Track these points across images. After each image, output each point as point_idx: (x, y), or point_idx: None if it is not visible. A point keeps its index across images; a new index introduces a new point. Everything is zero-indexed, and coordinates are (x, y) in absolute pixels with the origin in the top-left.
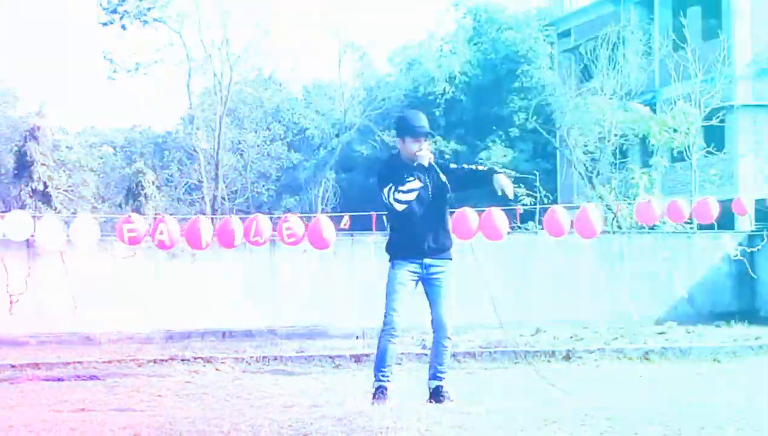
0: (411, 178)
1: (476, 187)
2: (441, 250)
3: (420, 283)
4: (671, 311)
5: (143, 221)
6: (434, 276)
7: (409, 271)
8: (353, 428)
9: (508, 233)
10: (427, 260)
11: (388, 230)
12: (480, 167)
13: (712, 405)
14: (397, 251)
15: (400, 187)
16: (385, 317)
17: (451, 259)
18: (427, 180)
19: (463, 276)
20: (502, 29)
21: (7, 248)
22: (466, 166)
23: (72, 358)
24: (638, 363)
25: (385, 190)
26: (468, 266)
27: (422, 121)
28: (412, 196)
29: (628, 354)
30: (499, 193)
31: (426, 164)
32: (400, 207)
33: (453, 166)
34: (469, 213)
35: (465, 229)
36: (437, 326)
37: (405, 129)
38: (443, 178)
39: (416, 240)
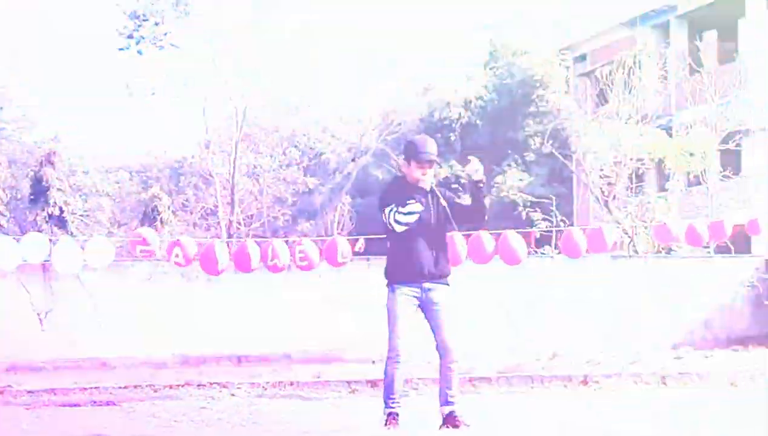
0: (412, 201)
1: (473, 218)
2: (440, 275)
3: (419, 308)
4: (688, 336)
5: (155, 237)
6: (434, 300)
7: (408, 295)
8: None
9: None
10: (426, 284)
11: (388, 253)
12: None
13: (730, 430)
14: (396, 275)
15: (401, 209)
16: (389, 343)
17: (448, 285)
18: (429, 204)
19: (478, 300)
20: (517, 54)
21: (24, 271)
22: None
23: (88, 383)
24: (655, 388)
25: (386, 210)
26: (484, 289)
27: (430, 147)
28: (412, 218)
29: (645, 379)
30: (477, 175)
31: (428, 188)
32: (399, 228)
33: (456, 200)
34: (485, 237)
35: (481, 253)
36: (443, 350)
37: (411, 153)
38: (443, 203)
39: (416, 264)
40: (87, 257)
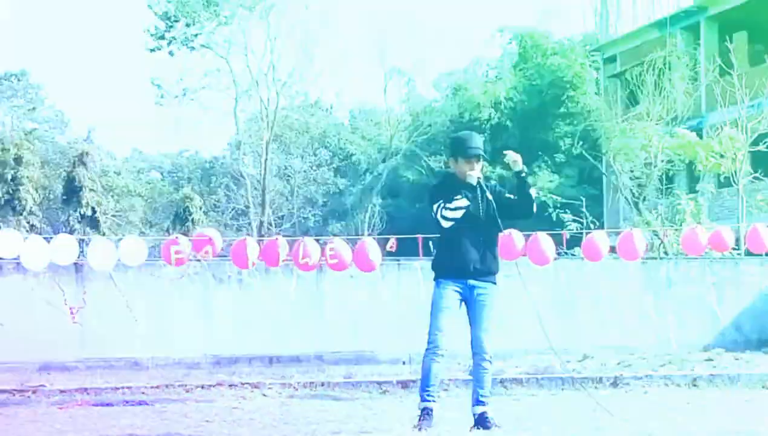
0: (459, 197)
1: (521, 211)
2: (486, 272)
3: (463, 303)
4: (719, 338)
5: (189, 243)
6: (478, 298)
7: (454, 290)
8: None
9: (555, 258)
10: (471, 281)
11: (436, 247)
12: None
13: (761, 433)
14: (443, 270)
15: (448, 205)
16: (429, 336)
17: (495, 283)
18: (476, 199)
19: (509, 301)
20: (547, 55)
21: (56, 272)
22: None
23: (120, 383)
24: (686, 390)
25: (435, 206)
26: (514, 290)
27: (475, 142)
28: (458, 214)
29: (675, 381)
30: (516, 166)
31: (474, 183)
32: (446, 224)
33: (504, 194)
34: (516, 235)
35: (510, 250)
36: (476, 346)
37: (458, 149)
38: (490, 197)
39: (462, 260)
40: (121, 255)
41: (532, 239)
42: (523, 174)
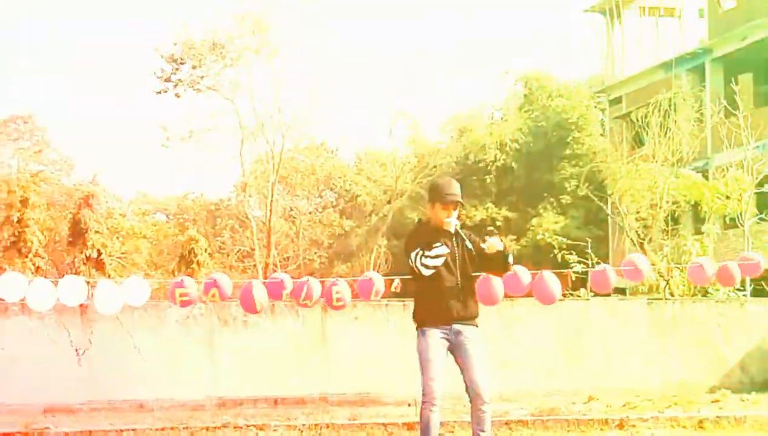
0: (438, 244)
1: (492, 270)
2: (469, 317)
3: (449, 351)
4: (724, 379)
5: (195, 285)
6: (465, 341)
7: (440, 338)
8: None
9: (560, 299)
10: (455, 327)
11: (414, 297)
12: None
13: None
14: (426, 319)
15: (428, 253)
16: (423, 388)
17: (477, 326)
18: (454, 246)
19: (513, 342)
20: (552, 96)
21: (61, 313)
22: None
23: (125, 425)
24: (692, 432)
25: (413, 255)
26: (518, 331)
27: (454, 189)
28: (439, 261)
29: (681, 422)
30: (491, 251)
31: (452, 231)
32: (427, 272)
33: (477, 242)
34: (521, 272)
35: (516, 286)
36: (473, 392)
37: (436, 196)
38: (469, 245)
39: (443, 306)
40: (125, 295)
41: (538, 277)
42: (505, 253)
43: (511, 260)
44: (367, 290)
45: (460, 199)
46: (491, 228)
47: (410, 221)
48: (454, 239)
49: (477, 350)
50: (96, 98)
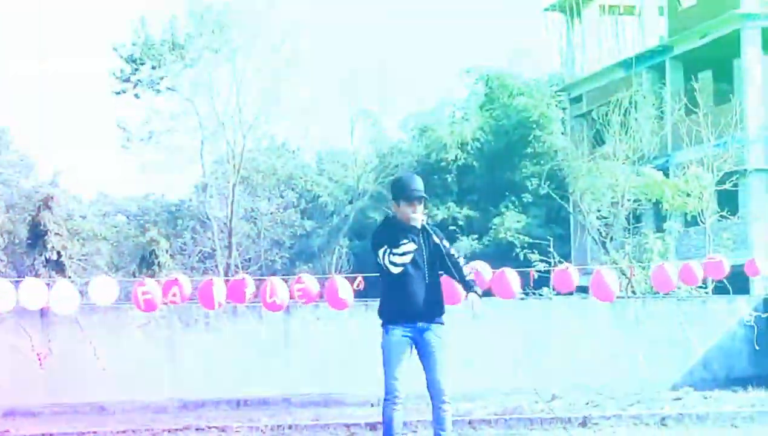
0: (405, 241)
1: (455, 277)
2: (435, 314)
3: (413, 347)
4: (687, 376)
5: (158, 286)
6: (429, 340)
7: (404, 335)
8: None
9: (522, 294)
10: (420, 324)
11: (381, 294)
12: (465, 270)
13: None
14: (391, 316)
15: (395, 250)
16: (386, 385)
17: (443, 324)
18: (422, 242)
19: (477, 341)
20: (513, 95)
21: (21, 316)
22: (456, 258)
23: (87, 428)
24: (655, 429)
25: (380, 252)
26: (483, 331)
27: (417, 184)
28: (407, 258)
29: (644, 420)
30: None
31: (419, 226)
32: (395, 270)
33: (447, 246)
34: (483, 267)
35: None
36: (434, 391)
37: (400, 192)
38: (436, 240)
39: (410, 304)
40: (91, 295)
41: (498, 273)
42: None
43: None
44: (334, 295)
45: (424, 195)
46: (453, 253)
47: (372, 221)
48: (420, 234)
49: (440, 348)
50: (55, 99)
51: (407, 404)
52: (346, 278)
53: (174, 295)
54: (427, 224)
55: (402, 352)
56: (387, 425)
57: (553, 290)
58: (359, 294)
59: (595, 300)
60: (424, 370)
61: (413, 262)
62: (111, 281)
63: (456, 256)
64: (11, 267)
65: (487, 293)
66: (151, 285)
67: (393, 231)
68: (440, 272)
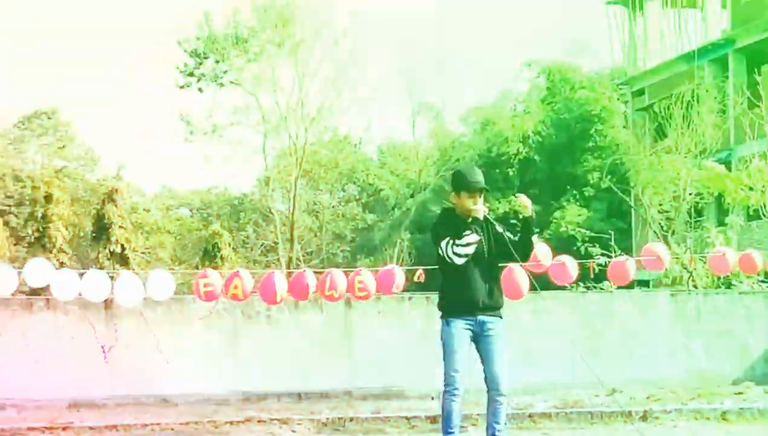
0: (468, 232)
1: (519, 253)
2: (495, 307)
3: (473, 340)
4: (749, 371)
5: (219, 277)
6: (488, 333)
7: (464, 328)
8: None
9: (582, 287)
10: (480, 317)
11: (441, 286)
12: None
13: None
14: (452, 308)
15: (458, 242)
16: (446, 377)
17: (502, 318)
18: (484, 234)
19: (537, 335)
20: (575, 88)
21: (86, 309)
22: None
23: (149, 420)
24: (715, 423)
25: (443, 243)
26: (543, 324)
27: (478, 176)
28: (470, 249)
29: (705, 414)
30: (525, 211)
31: (481, 218)
32: (459, 261)
33: (508, 234)
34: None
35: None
36: (491, 383)
37: (461, 184)
38: (500, 229)
39: (471, 296)
40: (148, 289)
41: (557, 260)
42: (531, 220)
43: (534, 231)
44: (388, 282)
45: (485, 186)
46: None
47: (433, 215)
48: (483, 226)
49: (499, 341)
50: (119, 93)
51: (467, 398)
52: (406, 270)
53: (235, 287)
54: (488, 215)
55: (462, 344)
56: (446, 417)
57: (611, 283)
58: (419, 287)
59: (654, 290)
60: (482, 362)
61: (475, 253)
62: (167, 276)
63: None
64: (76, 260)
65: (546, 284)
66: (213, 276)
67: (455, 222)
68: (504, 263)
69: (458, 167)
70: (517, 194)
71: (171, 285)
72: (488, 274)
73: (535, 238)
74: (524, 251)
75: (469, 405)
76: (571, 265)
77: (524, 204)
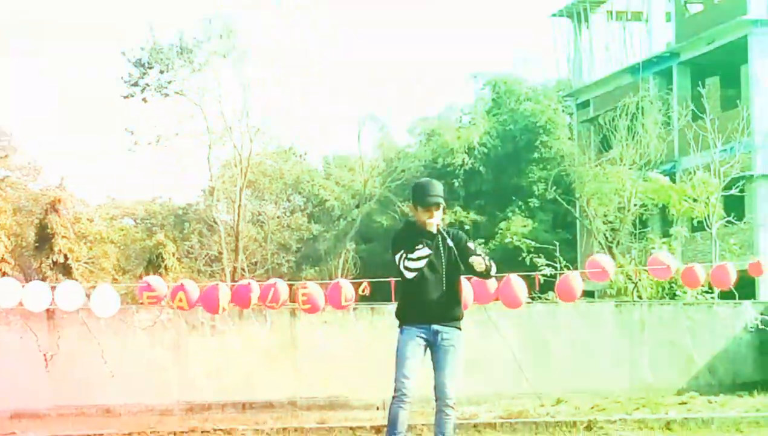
0: (420, 246)
1: (477, 274)
2: (451, 318)
3: (428, 349)
4: (693, 381)
5: (162, 284)
6: (443, 342)
7: (419, 336)
8: None
9: (528, 302)
10: (435, 326)
11: (399, 296)
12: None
13: None
14: (407, 317)
15: (410, 256)
16: (396, 383)
17: (460, 329)
18: (438, 247)
19: (482, 346)
20: (520, 100)
21: (28, 318)
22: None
23: (93, 430)
24: (660, 433)
25: (397, 256)
26: (487, 335)
27: (435, 190)
28: (421, 263)
29: (649, 424)
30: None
31: (434, 232)
32: (410, 274)
33: (468, 245)
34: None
35: (483, 293)
36: (439, 392)
37: (417, 198)
38: (451, 244)
39: (426, 306)
40: (92, 305)
41: (504, 281)
42: (490, 270)
43: (494, 271)
44: (336, 297)
45: (441, 201)
46: (472, 248)
47: (379, 226)
48: (437, 239)
49: (452, 352)
50: (63, 102)
51: (412, 408)
52: (352, 283)
53: (180, 300)
54: (443, 228)
55: (415, 352)
56: (392, 422)
57: (557, 297)
58: (364, 299)
59: (599, 301)
60: (434, 370)
61: (430, 266)
62: (112, 293)
63: (474, 249)
64: (18, 270)
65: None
66: (156, 283)
67: (410, 236)
68: (461, 275)
69: (418, 181)
70: (472, 259)
71: (116, 302)
72: (445, 285)
73: (494, 272)
74: (483, 275)
75: (414, 415)
76: (517, 286)
77: (478, 264)
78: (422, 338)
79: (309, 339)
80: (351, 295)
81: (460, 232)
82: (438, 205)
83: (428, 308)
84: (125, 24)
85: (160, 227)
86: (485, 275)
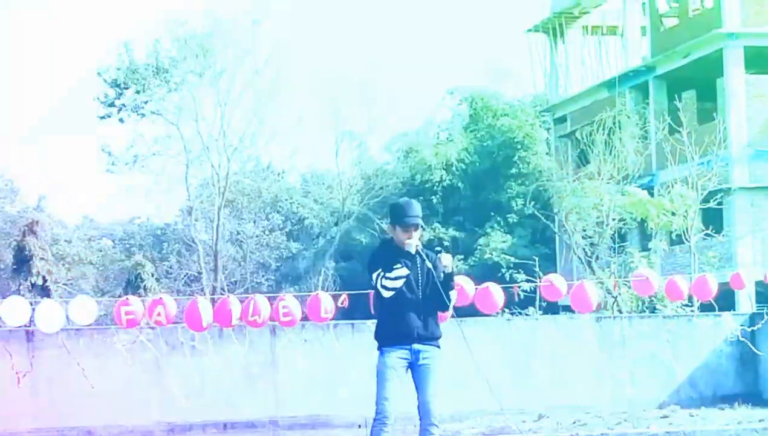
0: (398, 266)
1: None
2: (430, 337)
3: (409, 370)
4: (674, 395)
5: (141, 304)
6: (423, 362)
7: (399, 357)
8: None
9: (507, 312)
10: (416, 346)
11: (377, 316)
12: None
13: None
14: (386, 338)
15: (388, 275)
16: (377, 405)
17: (439, 347)
18: (416, 267)
19: (460, 362)
20: (498, 116)
21: (6, 340)
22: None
23: None
24: None
25: (374, 275)
26: (465, 352)
27: (414, 211)
28: (398, 283)
29: None
30: (446, 269)
31: (413, 252)
32: (387, 294)
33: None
34: (465, 281)
35: (460, 296)
36: (423, 412)
37: (396, 218)
38: (429, 265)
39: (405, 326)
40: (71, 314)
41: (482, 289)
42: (452, 275)
43: (453, 286)
44: (316, 309)
45: (420, 222)
46: (438, 248)
47: (358, 243)
48: (415, 259)
49: (434, 371)
50: (39, 124)
51: (394, 426)
52: (332, 294)
53: (159, 314)
54: (422, 249)
55: (396, 374)
56: None
57: (542, 300)
58: (344, 313)
59: (579, 316)
60: (416, 391)
61: (408, 286)
62: (90, 300)
63: (451, 274)
64: None
65: (471, 311)
66: (135, 303)
67: (388, 255)
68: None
69: (396, 201)
70: (441, 254)
71: (93, 309)
72: (423, 305)
73: (454, 294)
74: (444, 303)
75: (395, 434)
76: (495, 292)
77: (445, 263)
78: (402, 358)
79: (289, 358)
80: (331, 307)
81: (433, 254)
82: (417, 226)
83: (407, 328)
84: (101, 43)
85: (138, 248)
86: (445, 307)
